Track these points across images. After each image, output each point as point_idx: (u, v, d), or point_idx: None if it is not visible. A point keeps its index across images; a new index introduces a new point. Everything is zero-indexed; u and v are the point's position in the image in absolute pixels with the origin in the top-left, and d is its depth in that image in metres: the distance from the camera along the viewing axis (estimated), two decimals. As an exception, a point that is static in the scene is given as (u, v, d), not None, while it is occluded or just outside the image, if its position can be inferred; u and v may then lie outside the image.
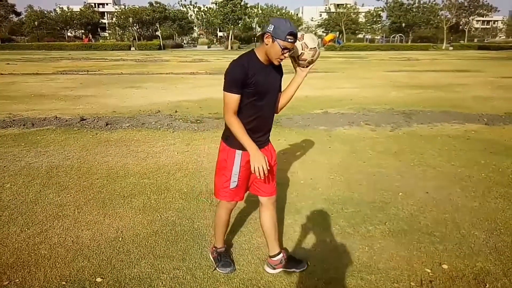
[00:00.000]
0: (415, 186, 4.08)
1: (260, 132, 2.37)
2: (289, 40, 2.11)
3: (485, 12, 68.53)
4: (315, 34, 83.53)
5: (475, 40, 75.60)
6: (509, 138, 6.02)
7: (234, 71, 2.19)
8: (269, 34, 2.12)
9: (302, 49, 2.27)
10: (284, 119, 7.30)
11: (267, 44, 2.15)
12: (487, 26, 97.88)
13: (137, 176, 4.37)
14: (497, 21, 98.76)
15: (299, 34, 2.24)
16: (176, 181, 4.22)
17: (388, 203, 3.65)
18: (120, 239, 3.00)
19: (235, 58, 2.24)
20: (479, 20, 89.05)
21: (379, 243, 2.96)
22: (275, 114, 2.49)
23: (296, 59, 2.35)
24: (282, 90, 2.47)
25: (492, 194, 3.86)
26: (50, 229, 3.14)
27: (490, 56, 34.18)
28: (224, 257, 2.65)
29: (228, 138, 2.37)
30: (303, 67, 2.37)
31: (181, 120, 7.25)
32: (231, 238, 3.03)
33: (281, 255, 2.59)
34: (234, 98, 2.20)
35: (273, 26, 2.11)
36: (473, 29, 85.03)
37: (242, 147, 2.30)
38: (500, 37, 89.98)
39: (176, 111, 8.13)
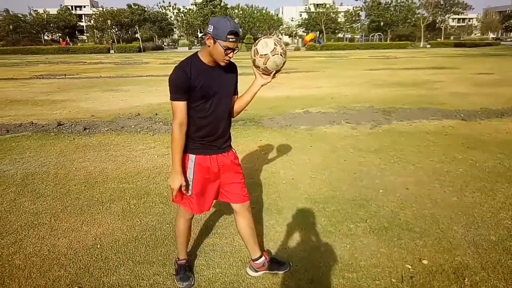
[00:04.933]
0: (395, 182, 4.13)
1: (211, 136, 2.25)
2: (231, 39, 2.01)
3: (460, 10, 70.17)
4: (295, 34, 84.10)
5: (452, 37, 77.25)
6: (485, 133, 6.15)
7: (175, 77, 2.12)
8: (209, 35, 2.02)
9: (254, 55, 2.14)
10: (265, 119, 7.30)
11: (209, 46, 2.06)
12: (463, 24, 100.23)
13: (116, 181, 4.28)
14: (472, 18, 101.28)
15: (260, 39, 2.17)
16: (156, 185, 4.16)
17: (369, 201, 3.68)
18: (98, 246, 2.93)
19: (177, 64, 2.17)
20: (455, 18, 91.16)
21: (361, 241, 2.97)
22: (232, 118, 2.37)
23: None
24: (238, 93, 2.34)
25: (470, 189, 3.93)
26: (25, 239, 3.05)
27: (466, 53, 34.97)
28: (183, 270, 2.53)
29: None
30: (265, 74, 2.19)
31: (161, 122, 7.16)
32: (212, 241, 3.00)
33: (263, 258, 2.56)
34: (180, 106, 2.12)
35: (212, 27, 2.01)
36: (449, 27, 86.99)
37: (195, 151, 2.25)
38: (475, 34, 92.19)
39: (156, 114, 8.02)
